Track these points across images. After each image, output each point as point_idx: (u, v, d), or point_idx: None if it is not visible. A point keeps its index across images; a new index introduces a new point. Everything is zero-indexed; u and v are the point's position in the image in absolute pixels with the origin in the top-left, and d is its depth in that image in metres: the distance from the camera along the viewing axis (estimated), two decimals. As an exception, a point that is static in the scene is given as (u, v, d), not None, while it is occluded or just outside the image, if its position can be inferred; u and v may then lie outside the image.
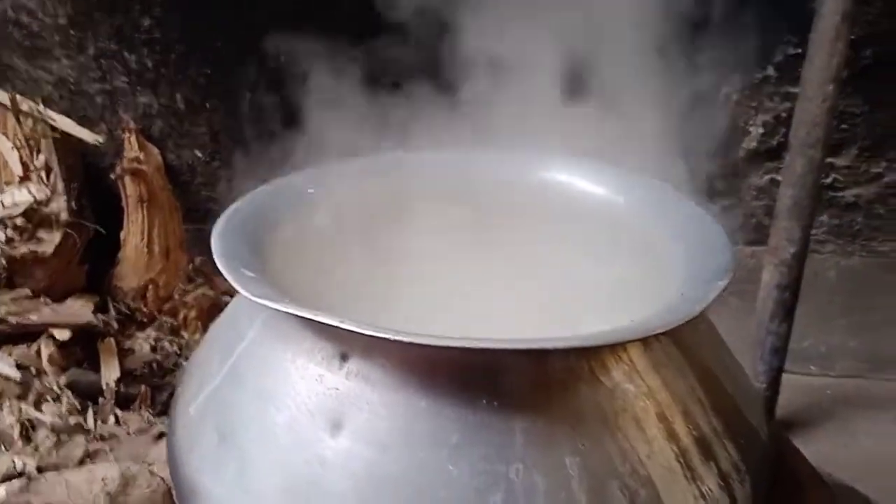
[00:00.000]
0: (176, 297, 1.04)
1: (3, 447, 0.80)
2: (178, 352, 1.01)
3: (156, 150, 1.02)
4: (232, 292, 0.52)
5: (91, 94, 1.00)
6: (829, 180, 1.03)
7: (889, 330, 1.09)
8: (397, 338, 0.36)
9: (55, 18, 0.96)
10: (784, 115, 0.98)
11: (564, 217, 0.60)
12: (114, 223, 1.00)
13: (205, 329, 1.02)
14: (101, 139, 0.99)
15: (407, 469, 0.39)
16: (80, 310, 0.91)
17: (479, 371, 0.39)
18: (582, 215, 0.59)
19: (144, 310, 1.02)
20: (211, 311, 1.06)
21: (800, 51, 0.89)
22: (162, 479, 0.70)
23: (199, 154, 1.03)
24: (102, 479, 0.68)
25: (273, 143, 1.01)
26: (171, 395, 0.92)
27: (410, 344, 0.36)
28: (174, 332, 1.03)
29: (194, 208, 1.08)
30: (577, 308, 0.54)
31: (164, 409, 0.94)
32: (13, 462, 0.78)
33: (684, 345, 0.45)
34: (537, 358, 0.39)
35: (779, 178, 1.01)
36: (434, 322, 0.51)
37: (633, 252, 0.56)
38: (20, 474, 0.77)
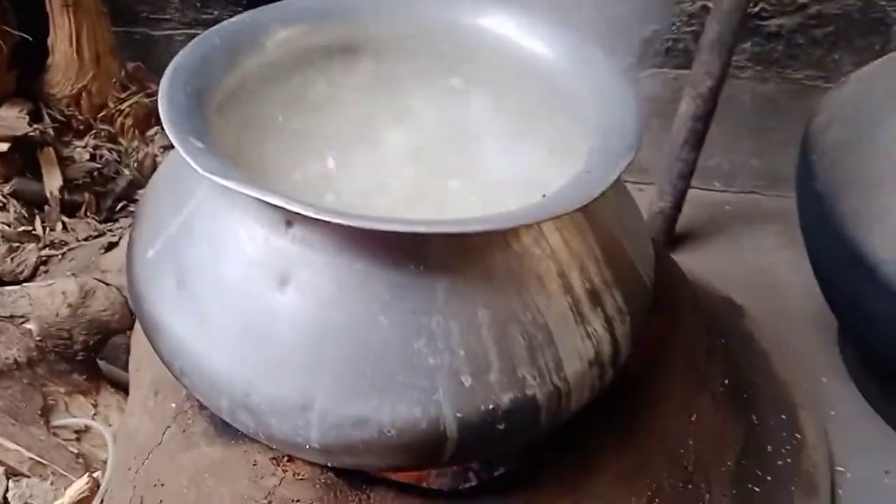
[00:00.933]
0: (111, 104, 1.04)
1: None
2: (118, 159, 1.03)
3: (77, -51, 0.96)
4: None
5: None
6: (756, 9, 1.06)
7: (788, 150, 1.18)
8: (336, 220, 0.41)
9: None
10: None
11: (498, 69, 0.63)
12: (40, 29, 0.97)
13: (142, 136, 1.04)
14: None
15: (345, 321, 0.46)
16: (15, 121, 0.91)
17: (408, 243, 0.45)
18: (515, 69, 0.62)
19: (80, 117, 1.02)
20: (147, 118, 1.07)
21: None
22: (118, 289, 0.77)
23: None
24: (63, 293, 0.73)
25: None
26: (115, 201, 0.97)
27: (348, 226, 0.41)
28: (111, 139, 1.05)
29: (123, 11, 1.04)
30: (503, 164, 0.59)
31: (109, 215, 0.99)
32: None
33: (588, 210, 0.52)
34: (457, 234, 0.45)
35: (710, 4, 1.04)
36: (369, 178, 0.56)
37: (553, 109, 0.60)
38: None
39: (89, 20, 0.98)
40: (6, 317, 0.71)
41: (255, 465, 0.54)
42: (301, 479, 0.53)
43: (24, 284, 0.77)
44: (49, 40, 0.99)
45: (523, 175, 0.56)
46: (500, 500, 0.57)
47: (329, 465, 0.54)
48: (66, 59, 0.98)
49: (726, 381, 0.78)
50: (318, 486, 0.53)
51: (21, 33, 0.95)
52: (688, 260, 1.05)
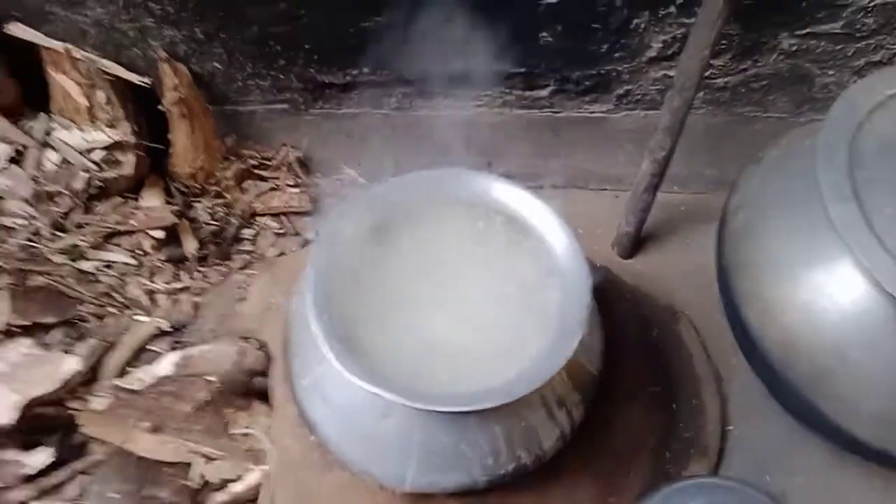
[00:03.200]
0: (217, 173, 1.37)
1: (143, 313, 1.24)
2: (227, 212, 1.38)
3: (184, 68, 1.25)
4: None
5: (124, 30, 1.20)
6: (706, 73, 1.34)
7: (735, 162, 1.49)
8: (425, 407, 0.80)
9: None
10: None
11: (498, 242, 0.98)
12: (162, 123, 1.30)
13: (240, 189, 1.39)
14: (147, 81, 1.22)
15: (424, 437, 0.86)
16: (163, 211, 1.25)
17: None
18: (512, 241, 0.97)
19: (196, 186, 1.36)
20: (242, 175, 1.41)
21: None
22: (260, 346, 1.16)
23: (217, 64, 1.27)
24: (228, 354, 1.13)
25: (269, 55, 1.26)
26: (230, 244, 1.33)
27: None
28: (219, 195, 1.39)
29: (217, 95, 1.34)
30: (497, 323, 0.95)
31: (227, 256, 1.36)
32: (155, 323, 1.23)
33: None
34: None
35: (671, 74, 1.31)
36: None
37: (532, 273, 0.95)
38: (163, 332, 1.23)
39: (198, 119, 1.29)
40: (196, 374, 1.11)
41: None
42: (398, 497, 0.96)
43: (202, 347, 1.16)
44: (170, 136, 1.31)
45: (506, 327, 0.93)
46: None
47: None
48: (184, 149, 1.31)
49: (656, 386, 1.17)
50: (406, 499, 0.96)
51: (156, 145, 1.28)
52: (644, 261, 1.40)
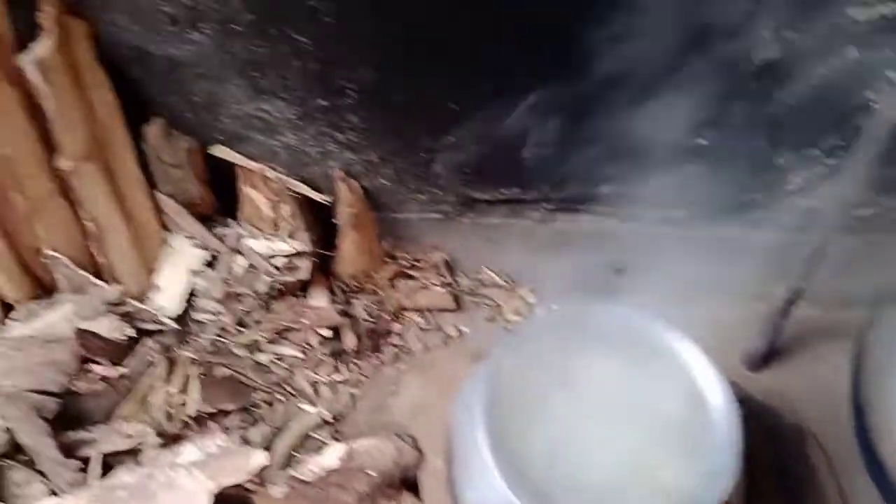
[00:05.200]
0: (374, 274, 1.50)
1: (307, 402, 1.36)
2: (380, 309, 1.50)
3: (357, 185, 1.39)
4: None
5: (309, 153, 1.35)
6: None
7: (869, 281, 1.49)
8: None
9: (283, 113, 1.27)
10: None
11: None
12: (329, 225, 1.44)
13: (393, 287, 1.51)
14: (328, 199, 1.36)
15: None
16: (330, 312, 1.38)
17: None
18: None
19: (356, 285, 1.49)
20: (395, 275, 1.53)
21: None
22: (414, 445, 1.26)
23: (385, 181, 1.41)
24: (387, 451, 1.23)
25: (432, 176, 1.38)
26: (381, 337, 1.44)
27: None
28: (374, 293, 1.51)
29: (379, 204, 1.47)
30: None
31: (378, 348, 1.47)
32: (320, 413, 1.34)
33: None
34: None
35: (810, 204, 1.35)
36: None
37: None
38: (326, 422, 1.35)
39: (365, 228, 1.43)
40: (358, 467, 1.22)
41: None
42: None
43: (363, 442, 1.26)
44: (337, 241, 1.44)
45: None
46: None
47: None
48: (350, 254, 1.44)
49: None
50: None
51: (329, 253, 1.42)
52: (772, 376, 1.43)
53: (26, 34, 1.13)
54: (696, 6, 1.03)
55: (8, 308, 1.32)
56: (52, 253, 1.23)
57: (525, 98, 1.21)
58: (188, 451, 1.17)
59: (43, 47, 1.09)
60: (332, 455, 1.24)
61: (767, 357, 1.45)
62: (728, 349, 1.48)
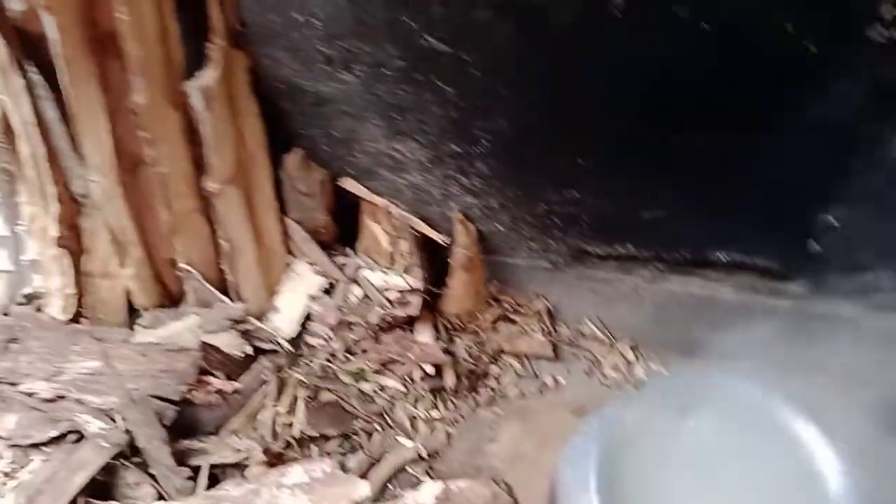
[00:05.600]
0: (479, 315, 1.52)
1: (404, 436, 1.38)
2: (479, 349, 1.52)
3: (474, 228, 1.42)
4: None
5: (433, 193, 1.39)
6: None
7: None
8: None
9: (415, 155, 1.32)
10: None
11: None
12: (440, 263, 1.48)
13: (495, 330, 1.52)
14: (446, 240, 1.40)
15: None
16: (435, 349, 1.41)
17: None
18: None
19: (460, 324, 1.52)
20: (498, 320, 1.55)
21: None
22: (507, 490, 1.26)
23: (500, 227, 1.43)
24: (482, 494, 1.24)
25: (547, 226, 1.40)
26: (478, 379, 1.46)
27: None
28: (475, 334, 1.54)
29: (493, 248, 1.50)
30: None
31: (474, 389, 1.49)
32: (416, 449, 1.36)
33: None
34: None
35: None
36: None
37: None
38: (422, 457, 1.36)
39: (475, 270, 1.45)
40: (453, 508, 1.23)
41: None
42: None
43: (459, 483, 1.28)
44: (447, 279, 1.47)
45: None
46: None
47: None
48: (458, 294, 1.47)
49: None
50: None
51: (439, 290, 1.45)
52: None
53: (190, 60, 1.21)
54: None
55: (133, 313, 1.40)
56: (186, 266, 1.30)
57: (652, 162, 1.23)
58: (295, 473, 1.20)
59: (209, 77, 1.16)
60: (428, 492, 1.25)
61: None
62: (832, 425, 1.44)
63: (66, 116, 1.27)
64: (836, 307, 1.40)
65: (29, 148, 1.25)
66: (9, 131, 1.25)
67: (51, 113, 1.27)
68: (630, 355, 1.54)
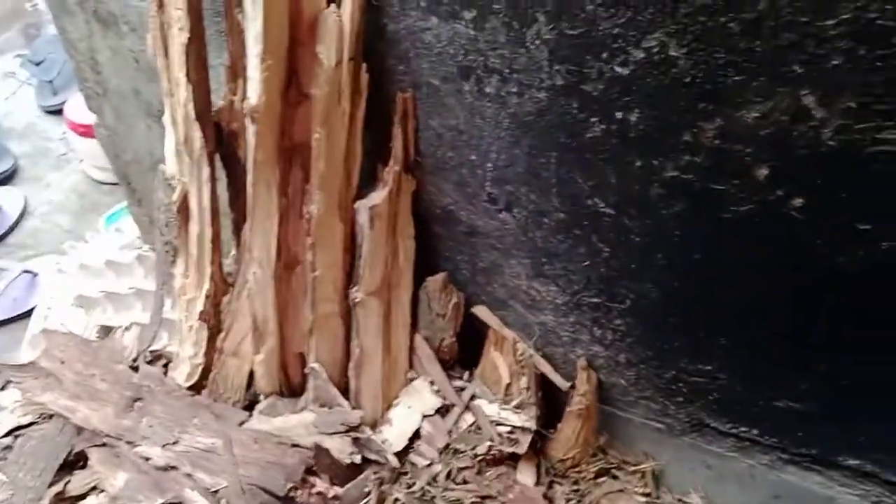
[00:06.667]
0: (583, 466, 1.48)
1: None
2: (577, 499, 1.48)
3: (595, 377, 1.41)
4: None
5: (561, 336, 1.39)
6: None
7: None
8: None
9: (553, 297, 1.33)
10: None
11: None
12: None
13: (595, 482, 1.47)
14: (567, 384, 1.39)
15: None
16: (536, 494, 1.38)
17: None
18: None
19: (563, 470, 1.48)
20: (601, 474, 1.50)
21: None
22: None
23: (623, 382, 1.41)
24: None
25: (673, 392, 1.36)
26: None
27: None
28: (576, 483, 1.50)
29: (609, 399, 1.47)
30: None
31: (567, 541, 1.43)
32: None
33: None
34: None
35: None
36: None
37: None
38: None
39: (590, 419, 1.43)
40: None
41: None
42: None
43: None
44: (559, 424, 1.45)
45: None
46: None
47: None
48: (567, 440, 1.44)
49: None
50: None
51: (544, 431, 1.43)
52: None
53: (363, 175, 1.28)
54: None
55: (250, 402, 1.44)
56: (315, 365, 1.34)
57: (794, 354, 1.19)
58: None
59: (379, 198, 1.22)
60: None
61: None
62: None
63: (234, 206, 1.37)
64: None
65: (198, 228, 1.34)
66: (185, 211, 1.34)
67: (223, 200, 1.36)
68: (732, 538, 1.46)
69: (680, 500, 1.52)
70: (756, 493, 1.45)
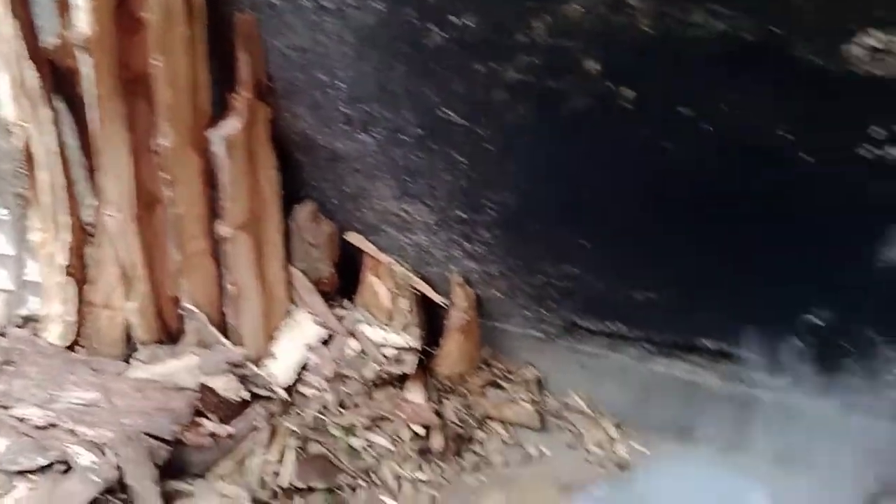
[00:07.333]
0: (469, 380, 1.54)
1: (388, 495, 1.38)
2: (467, 412, 1.53)
3: (472, 293, 1.45)
4: None
5: (435, 255, 1.42)
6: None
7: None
8: None
9: (422, 216, 1.36)
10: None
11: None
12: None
13: (482, 394, 1.53)
14: (447, 302, 1.43)
15: None
16: (428, 412, 1.41)
17: None
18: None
19: (450, 386, 1.53)
20: (488, 385, 1.56)
21: None
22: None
23: (497, 293, 1.46)
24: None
25: (544, 297, 1.43)
26: (464, 443, 1.46)
27: None
28: (464, 397, 1.55)
29: (488, 313, 1.53)
30: None
31: (458, 452, 1.49)
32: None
33: None
34: None
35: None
36: None
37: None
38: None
39: (471, 334, 1.48)
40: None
41: None
42: None
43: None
44: (441, 341, 1.49)
45: None
46: None
47: None
48: (451, 356, 1.48)
49: None
50: None
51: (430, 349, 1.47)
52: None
53: (215, 107, 1.25)
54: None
55: (132, 354, 1.41)
56: (190, 307, 1.32)
57: (647, 246, 1.26)
58: (278, 524, 1.20)
59: (232, 126, 1.20)
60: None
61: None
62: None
63: (86, 149, 1.31)
64: (818, 404, 1.42)
65: (48, 176, 1.28)
66: (29, 158, 1.28)
67: (72, 145, 1.31)
68: (614, 433, 1.55)
69: (563, 402, 1.60)
70: (630, 387, 1.54)
